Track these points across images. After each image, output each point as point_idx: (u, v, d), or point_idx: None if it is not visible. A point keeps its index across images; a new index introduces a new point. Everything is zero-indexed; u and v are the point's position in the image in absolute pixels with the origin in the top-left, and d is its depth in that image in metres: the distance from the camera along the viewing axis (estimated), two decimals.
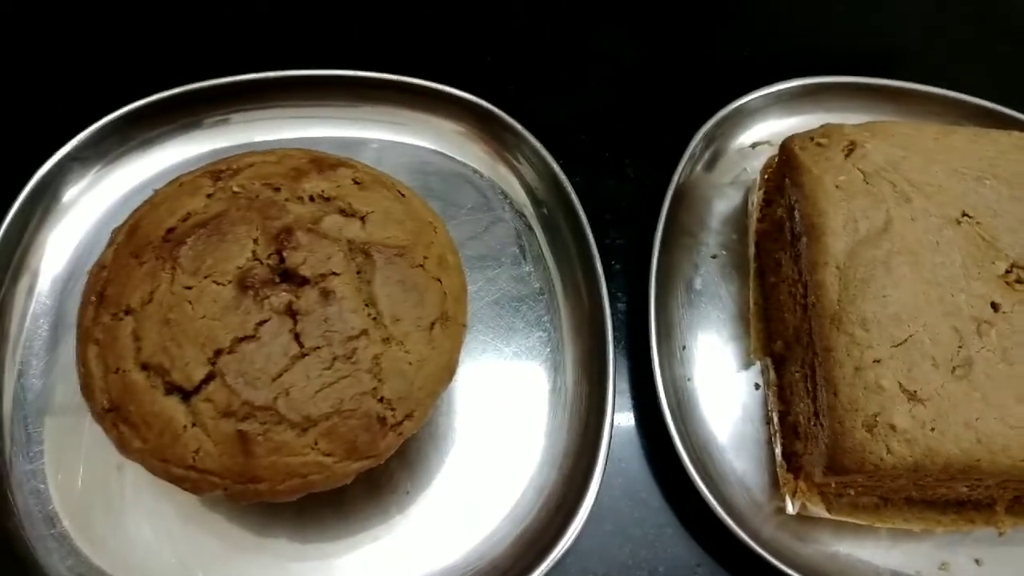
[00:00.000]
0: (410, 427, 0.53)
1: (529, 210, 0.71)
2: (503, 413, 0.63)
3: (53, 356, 0.65)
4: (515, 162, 0.71)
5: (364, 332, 0.52)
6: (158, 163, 0.72)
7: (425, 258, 0.56)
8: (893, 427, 0.52)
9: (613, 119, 0.79)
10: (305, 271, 0.52)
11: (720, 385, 0.65)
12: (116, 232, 0.58)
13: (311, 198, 0.56)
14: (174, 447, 0.49)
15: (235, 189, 0.57)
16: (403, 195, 0.60)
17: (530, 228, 0.71)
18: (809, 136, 0.64)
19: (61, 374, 0.64)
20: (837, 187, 0.60)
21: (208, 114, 0.73)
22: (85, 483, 0.60)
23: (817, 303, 0.57)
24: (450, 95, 0.72)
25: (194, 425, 0.49)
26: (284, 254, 0.53)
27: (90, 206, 0.70)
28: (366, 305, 0.52)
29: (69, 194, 0.69)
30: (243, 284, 0.51)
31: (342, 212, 0.56)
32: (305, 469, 0.50)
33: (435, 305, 0.55)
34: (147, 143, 0.72)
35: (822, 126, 0.65)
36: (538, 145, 0.68)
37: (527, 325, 0.67)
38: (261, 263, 0.53)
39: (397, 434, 0.52)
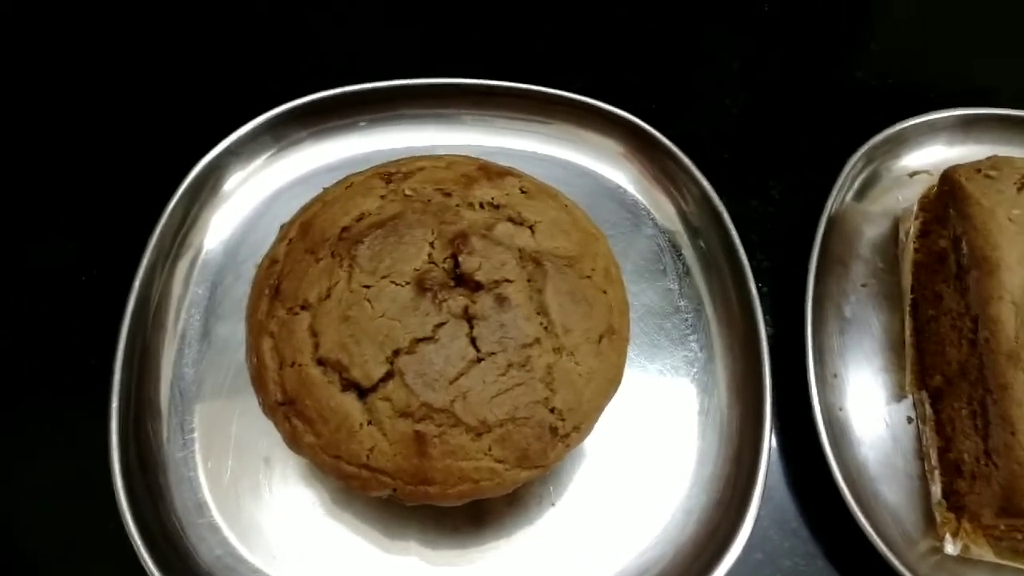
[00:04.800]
0: (576, 439, 0.53)
1: (676, 228, 0.70)
2: (650, 432, 0.63)
3: (204, 346, 0.65)
4: (665, 180, 0.71)
5: (537, 341, 0.51)
6: (312, 161, 0.72)
7: (592, 270, 0.56)
8: None
9: (756, 140, 0.78)
10: (480, 276, 0.52)
11: (871, 416, 0.64)
12: (286, 228, 0.59)
13: (481, 205, 0.56)
14: (348, 444, 0.49)
15: (407, 192, 0.57)
16: (567, 206, 0.59)
17: (675, 246, 0.70)
18: (975, 168, 0.63)
19: (211, 364, 0.65)
20: (1011, 220, 0.58)
21: (361, 116, 0.73)
22: (234, 473, 0.61)
23: (991, 338, 0.55)
24: (603, 111, 0.72)
25: (370, 423, 0.49)
26: (460, 259, 0.53)
27: (243, 202, 0.71)
28: (538, 314, 0.52)
29: (225, 188, 0.71)
30: (421, 286, 0.51)
31: (511, 220, 0.56)
32: (477, 474, 0.50)
33: (603, 318, 0.54)
34: (299, 142, 0.73)
35: (990, 158, 0.63)
36: (691, 166, 0.68)
37: (672, 343, 0.66)
38: (437, 266, 0.53)
39: (565, 445, 0.52)
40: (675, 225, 0.71)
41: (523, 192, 0.58)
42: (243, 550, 0.59)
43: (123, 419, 0.58)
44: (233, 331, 0.63)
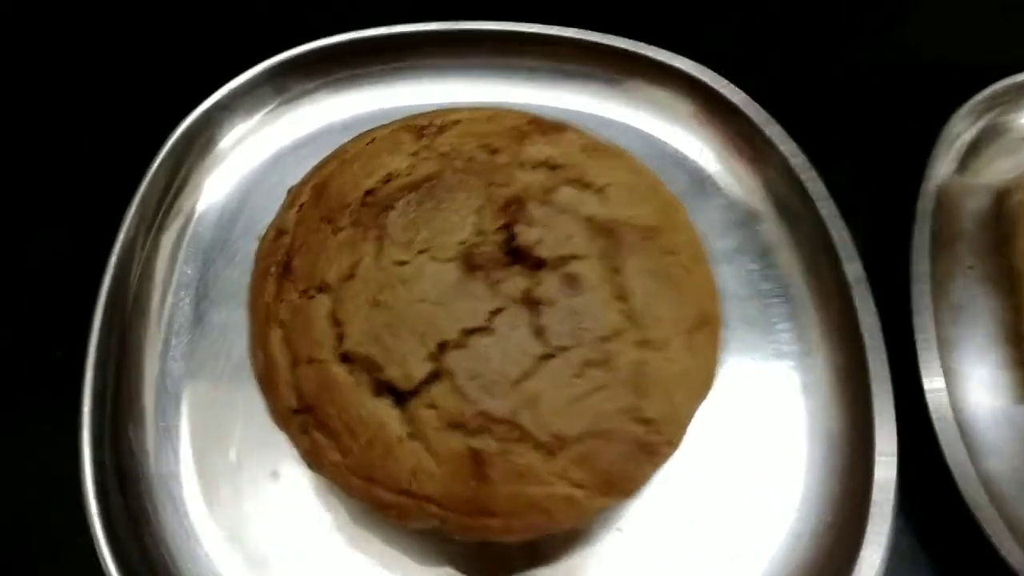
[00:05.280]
0: (667, 456, 0.42)
1: (753, 200, 0.60)
2: (735, 438, 0.52)
3: (196, 335, 0.55)
4: (742, 145, 0.60)
5: (617, 332, 0.41)
6: (320, 117, 0.61)
7: (677, 244, 0.45)
8: None
9: (848, 107, 0.67)
10: (542, 252, 0.41)
11: (993, 419, 0.53)
12: (295, 191, 0.48)
13: (536, 165, 0.46)
14: (385, 464, 0.39)
15: (444, 149, 0.46)
16: (638, 167, 0.49)
17: (751, 220, 0.59)
18: None
19: (205, 358, 0.54)
20: None
21: (376, 66, 0.62)
22: (235, 492, 0.50)
23: None
24: (667, 63, 0.61)
25: (412, 436, 0.39)
26: (515, 229, 0.42)
27: (241, 165, 0.60)
28: (616, 298, 0.41)
29: (219, 148, 0.60)
30: (470, 262, 0.41)
31: (574, 183, 0.45)
32: (549, 503, 0.39)
33: (695, 303, 0.44)
34: (305, 95, 0.62)
35: None
36: (777, 129, 0.57)
37: (756, 333, 0.56)
38: (486, 238, 0.42)
39: (654, 465, 0.41)
40: (752, 196, 0.60)
41: (585, 150, 0.47)
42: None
43: (96, 425, 0.49)
44: (231, 317, 0.55)
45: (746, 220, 0.60)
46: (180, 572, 0.48)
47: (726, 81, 0.60)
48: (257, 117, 0.61)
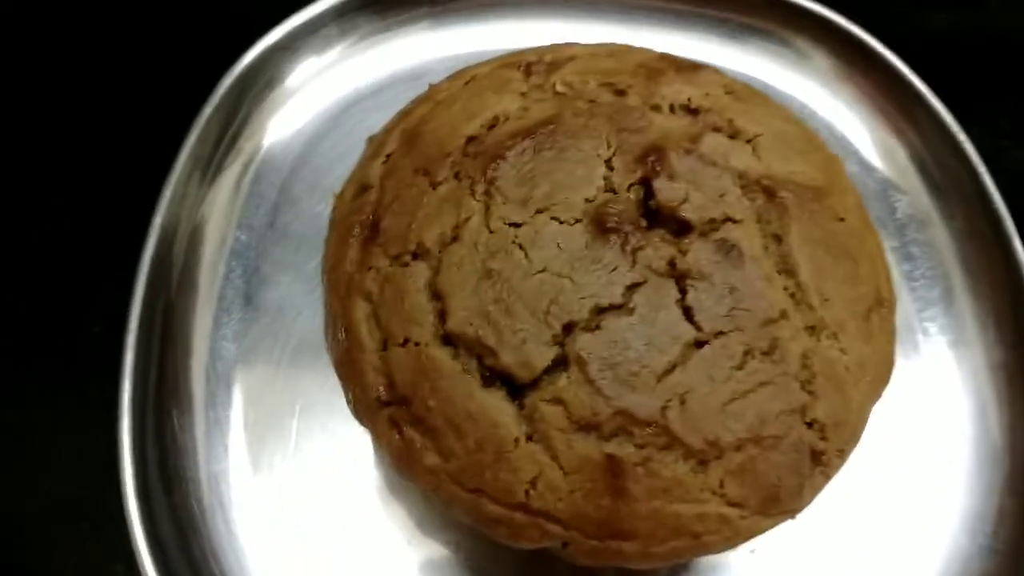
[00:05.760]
0: (838, 467, 0.34)
1: (896, 168, 0.52)
2: (875, 445, 0.43)
3: (251, 311, 0.47)
4: (886, 105, 0.53)
5: (783, 314, 0.32)
6: (395, 61, 0.53)
7: (847, 208, 0.37)
8: None
9: (975, 57, 0.58)
10: (688, 213, 0.34)
11: None
12: (379, 139, 0.40)
13: (673, 108, 0.37)
14: (496, 471, 0.31)
15: (560, 88, 0.38)
16: (790, 115, 0.40)
17: (893, 190, 0.50)
18: None
19: (262, 336, 0.47)
20: None
21: (458, 2, 0.54)
22: (297, 497, 0.42)
23: None
24: (812, 14, 0.53)
25: (532, 439, 0.31)
26: (655, 184, 0.33)
27: (303, 112, 0.52)
28: (780, 273, 0.33)
29: (277, 94, 0.52)
30: (601, 225, 0.33)
31: (721, 131, 0.36)
32: (700, 525, 0.32)
33: (870, 280, 0.36)
34: (376, 35, 0.53)
35: None
36: (926, 90, 0.50)
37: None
38: (618, 195, 0.33)
39: (825, 478, 0.33)
40: (895, 163, 0.52)
41: (731, 93, 0.39)
42: None
43: (138, 413, 0.43)
44: (290, 291, 0.49)
45: (885, 189, 0.52)
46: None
47: (865, 34, 0.52)
48: (323, 59, 0.53)
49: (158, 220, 0.45)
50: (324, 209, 0.40)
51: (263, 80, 0.51)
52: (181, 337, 0.47)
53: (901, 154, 0.52)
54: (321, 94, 0.53)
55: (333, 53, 0.53)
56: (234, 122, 0.49)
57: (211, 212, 0.49)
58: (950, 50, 0.60)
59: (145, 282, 0.45)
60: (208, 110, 0.47)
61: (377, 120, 0.43)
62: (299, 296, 0.47)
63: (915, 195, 0.51)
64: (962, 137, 0.49)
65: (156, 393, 0.45)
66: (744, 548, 0.43)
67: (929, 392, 0.47)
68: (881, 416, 0.44)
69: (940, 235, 0.50)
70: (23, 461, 0.47)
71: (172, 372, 0.46)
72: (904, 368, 0.47)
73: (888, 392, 0.41)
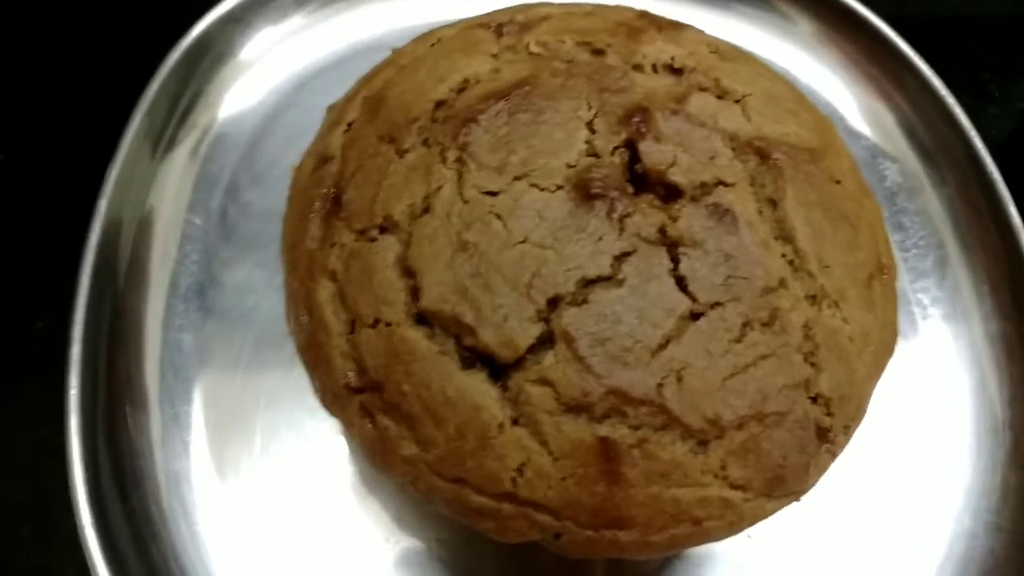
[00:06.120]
0: (843, 444, 0.31)
1: (885, 135, 0.51)
2: (872, 423, 0.41)
3: (208, 298, 0.43)
4: (873, 71, 0.51)
5: (782, 283, 0.30)
6: (355, 31, 0.50)
7: (843, 171, 0.35)
8: None
9: (960, 23, 0.56)
10: (677, 176, 0.31)
11: None
12: (339, 107, 0.37)
13: (656, 67, 0.34)
14: (480, 459, 0.29)
15: (534, 48, 0.35)
16: (778, 75, 0.38)
17: (882, 158, 0.49)
18: None
19: (221, 326, 0.43)
20: None
21: None
22: (261, 494, 0.39)
23: None
24: None
25: (516, 423, 0.29)
26: (640, 147, 0.31)
27: (260, 84, 0.49)
28: (776, 239, 0.31)
29: (231, 66, 0.49)
30: (584, 191, 0.31)
31: (707, 91, 0.34)
32: (702, 510, 0.29)
33: (870, 246, 0.34)
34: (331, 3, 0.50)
35: None
36: (913, 55, 0.48)
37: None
38: (603, 159, 0.31)
39: (831, 455, 0.31)
40: (883, 129, 0.51)
41: (716, 52, 0.36)
42: None
43: (88, 411, 0.40)
44: (251, 277, 0.45)
45: (873, 157, 0.50)
46: None
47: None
48: (279, 30, 0.50)
49: (103, 203, 0.42)
50: (284, 189, 0.37)
51: (214, 53, 0.48)
52: (132, 329, 0.43)
53: (889, 120, 0.50)
54: (278, 67, 0.50)
55: (290, 24, 0.50)
56: (183, 96, 0.47)
57: (162, 194, 0.46)
58: (938, 19, 0.58)
59: (91, 270, 0.42)
60: (155, 85, 0.45)
61: (338, 94, 0.40)
62: (260, 283, 0.45)
63: (904, 162, 0.49)
64: (951, 101, 0.47)
65: (107, 389, 0.42)
66: (741, 534, 0.41)
67: (926, 367, 0.45)
68: (878, 393, 0.42)
69: (931, 202, 0.48)
70: None
71: (124, 367, 0.43)
72: (899, 343, 0.45)
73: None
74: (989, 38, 0.58)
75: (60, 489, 0.38)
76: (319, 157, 0.36)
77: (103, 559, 0.37)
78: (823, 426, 0.31)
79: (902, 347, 0.45)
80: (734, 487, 0.30)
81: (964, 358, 0.44)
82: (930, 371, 0.44)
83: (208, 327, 0.44)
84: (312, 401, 0.38)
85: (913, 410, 0.43)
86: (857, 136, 0.50)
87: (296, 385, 0.42)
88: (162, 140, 0.46)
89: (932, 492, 0.41)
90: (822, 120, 0.37)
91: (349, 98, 0.37)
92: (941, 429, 0.43)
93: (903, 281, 0.46)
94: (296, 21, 0.50)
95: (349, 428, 0.32)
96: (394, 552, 0.39)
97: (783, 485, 0.30)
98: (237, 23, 0.48)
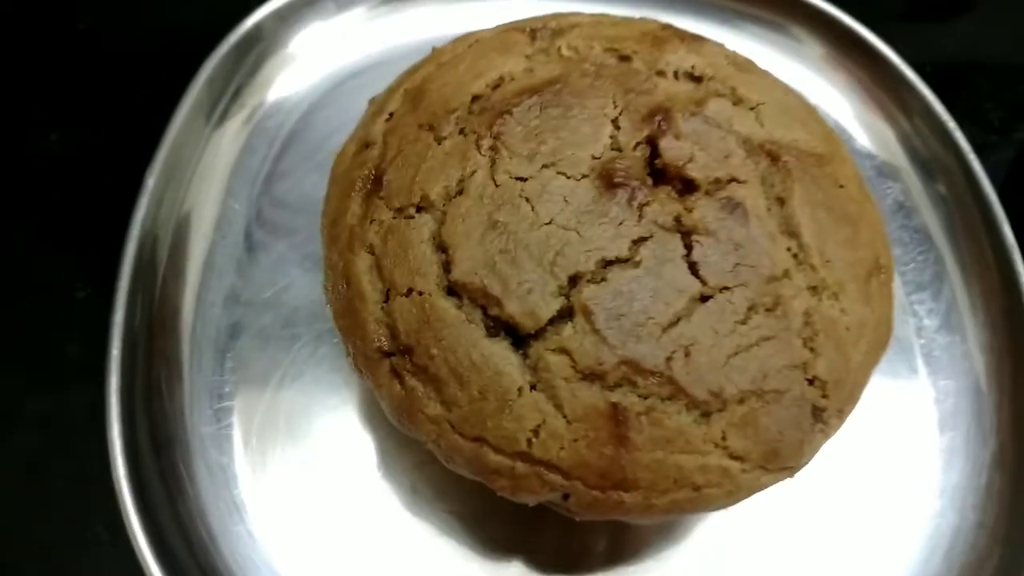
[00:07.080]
0: (836, 426, 0.34)
1: (888, 153, 0.53)
2: (865, 425, 0.44)
3: (244, 278, 0.46)
4: (879, 93, 0.54)
5: (786, 273, 0.32)
6: (392, 36, 0.53)
7: (847, 176, 0.37)
8: None
9: (966, 55, 0.59)
10: (693, 172, 0.34)
11: None
12: (381, 99, 0.40)
13: (678, 74, 0.37)
14: (499, 419, 0.31)
15: (565, 52, 0.38)
16: (791, 89, 0.41)
17: (885, 175, 0.52)
18: None
19: (256, 298, 0.45)
20: None
21: None
22: (288, 461, 0.42)
23: None
24: (806, 5, 0.54)
25: (535, 388, 0.31)
26: (660, 144, 0.33)
27: (307, 76, 0.52)
28: (783, 233, 0.33)
29: (274, 61, 0.52)
30: (608, 180, 0.33)
31: (725, 98, 0.37)
32: (701, 476, 0.31)
33: (870, 246, 0.36)
34: (383, 4, 0.54)
35: None
36: (916, 79, 0.51)
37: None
38: (624, 153, 0.33)
39: (824, 436, 0.33)
40: (886, 150, 0.53)
41: (733, 64, 0.39)
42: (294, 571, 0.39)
43: (127, 380, 0.42)
44: (284, 256, 0.48)
45: (876, 175, 0.52)
46: (219, 551, 0.40)
47: (859, 25, 0.53)
48: (326, 27, 0.53)
49: (148, 185, 0.45)
50: (320, 179, 0.40)
51: (257, 50, 0.51)
52: (170, 303, 0.46)
53: (892, 141, 0.53)
54: (319, 65, 0.52)
55: (336, 23, 0.53)
56: (223, 96, 0.49)
57: (204, 177, 0.48)
58: (943, 47, 0.61)
59: (134, 246, 0.44)
60: (203, 75, 0.48)
61: (379, 92, 0.42)
62: (291, 264, 0.47)
63: (906, 181, 0.52)
64: (952, 125, 0.50)
65: (146, 361, 0.44)
66: (731, 516, 0.43)
67: (920, 374, 0.47)
68: (878, 394, 0.45)
69: (931, 220, 0.50)
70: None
71: (160, 337, 0.45)
72: (895, 350, 0.48)
73: (878, 371, 0.41)
74: (993, 73, 0.60)
75: (94, 447, 0.40)
76: (361, 142, 0.39)
77: (135, 508, 0.39)
78: (818, 406, 0.33)
79: (899, 354, 0.47)
80: (733, 457, 0.32)
81: (957, 366, 0.46)
82: (923, 377, 0.46)
83: (240, 305, 0.47)
84: (336, 376, 0.41)
85: (905, 411, 0.45)
86: (862, 155, 0.53)
87: (321, 361, 0.44)
88: (208, 125, 0.48)
89: (919, 488, 0.43)
90: (829, 131, 0.40)
91: (391, 91, 0.40)
92: (931, 430, 0.45)
93: (901, 293, 0.49)
94: (341, 20, 0.53)
95: (378, 388, 0.34)
96: (410, 523, 0.42)
97: (778, 459, 0.33)
98: (283, 20, 0.51)
